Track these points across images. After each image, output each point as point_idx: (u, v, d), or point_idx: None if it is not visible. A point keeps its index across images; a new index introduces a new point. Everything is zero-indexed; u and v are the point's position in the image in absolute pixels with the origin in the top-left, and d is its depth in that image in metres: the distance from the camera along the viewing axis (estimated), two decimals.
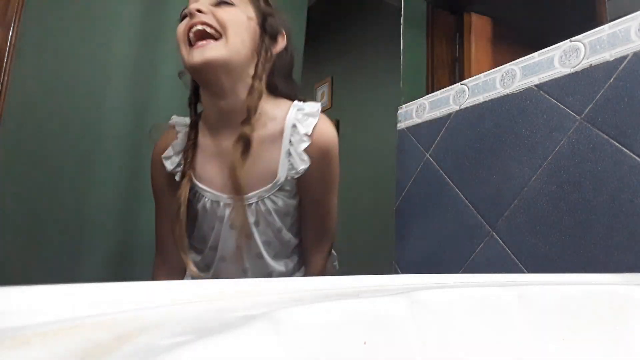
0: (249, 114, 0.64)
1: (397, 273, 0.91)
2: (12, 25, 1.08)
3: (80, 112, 1.18)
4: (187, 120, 0.72)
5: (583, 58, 0.61)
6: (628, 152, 0.55)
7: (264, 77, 0.67)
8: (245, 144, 0.64)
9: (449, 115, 0.83)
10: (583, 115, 0.60)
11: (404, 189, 0.92)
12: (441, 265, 0.80)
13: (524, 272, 0.65)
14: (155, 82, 1.31)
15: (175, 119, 0.75)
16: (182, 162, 0.69)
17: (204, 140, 0.70)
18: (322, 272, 0.77)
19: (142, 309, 0.17)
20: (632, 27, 0.56)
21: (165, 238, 0.74)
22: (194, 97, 0.72)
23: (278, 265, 0.74)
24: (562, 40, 0.65)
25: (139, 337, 0.14)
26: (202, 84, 0.67)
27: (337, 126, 2.14)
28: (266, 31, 0.67)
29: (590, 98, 0.60)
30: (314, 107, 0.69)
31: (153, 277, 0.78)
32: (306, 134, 0.66)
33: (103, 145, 1.21)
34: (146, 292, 0.20)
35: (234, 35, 0.62)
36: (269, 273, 0.73)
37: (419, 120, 0.91)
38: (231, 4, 0.64)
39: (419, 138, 0.89)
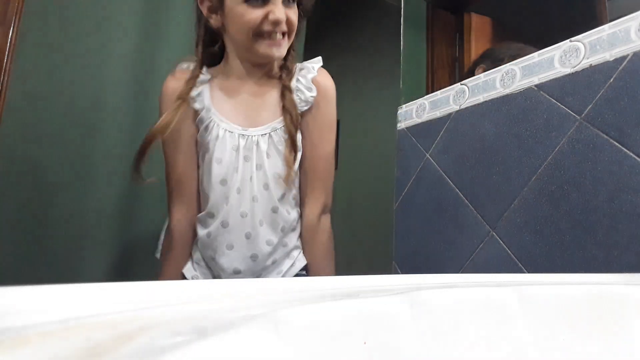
0: (290, 74, 0.78)
1: (397, 273, 0.91)
2: (12, 25, 1.08)
3: (80, 112, 1.18)
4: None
5: (583, 58, 0.61)
6: (628, 152, 0.55)
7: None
8: (290, 94, 0.77)
9: (449, 115, 0.83)
10: (583, 115, 0.60)
11: (404, 189, 0.92)
12: (441, 265, 0.80)
13: (524, 272, 0.65)
14: (155, 81, 1.31)
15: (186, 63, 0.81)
16: (184, 88, 0.75)
17: (224, 82, 0.78)
18: (315, 230, 0.80)
19: (142, 309, 0.17)
20: (632, 27, 0.56)
21: (184, 178, 0.78)
22: (208, 41, 0.78)
23: (282, 206, 0.76)
24: (562, 40, 0.65)
25: (139, 337, 0.14)
26: (253, 62, 0.77)
27: (337, 126, 2.13)
28: (303, 15, 0.78)
29: (590, 98, 0.60)
30: (317, 59, 0.83)
31: (170, 225, 0.79)
32: (312, 78, 0.79)
33: (103, 145, 1.21)
34: (146, 292, 0.20)
35: (293, 34, 0.75)
36: (273, 208, 0.76)
37: (419, 120, 0.91)
38: (293, 2, 0.73)
39: (419, 138, 0.89)
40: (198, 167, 0.79)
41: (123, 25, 1.29)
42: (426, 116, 0.89)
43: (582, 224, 0.59)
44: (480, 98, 0.77)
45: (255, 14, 0.69)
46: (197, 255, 0.79)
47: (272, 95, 0.79)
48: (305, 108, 0.78)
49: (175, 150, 0.77)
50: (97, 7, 1.24)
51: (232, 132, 0.75)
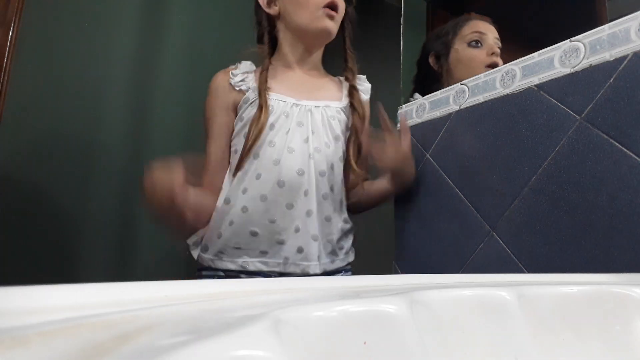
0: (354, 75, 0.90)
1: (397, 273, 0.91)
2: (12, 25, 1.08)
3: (81, 112, 1.19)
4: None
5: (583, 58, 0.61)
6: (628, 152, 0.55)
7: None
8: (357, 93, 0.87)
9: (449, 115, 0.83)
10: (583, 115, 0.60)
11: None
12: (441, 265, 0.80)
13: (524, 272, 0.65)
14: (155, 81, 1.31)
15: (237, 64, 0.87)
16: (250, 78, 0.82)
17: (272, 72, 0.83)
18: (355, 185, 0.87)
19: (142, 309, 0.17)
20: (632, 27, 0.56)
21: (216, 158, 0.81)
22: (269, 30, 0.86)
23: (327, 180, 0.80)
24: (562, 40, 0.65)
25: (139, 337, 0.14)
26: (306, 40, 0.84)
27: None
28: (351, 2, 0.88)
29: (590, 98, 0.60)
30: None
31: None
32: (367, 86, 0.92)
33: (103, 145, 1.22)
34: (146, 292, 0.20)
35: (340, 17, 0.84)
36: (321, 172, 0.79)
37: (419, 120, 0.91)
38: None
39: (419, 138, 0.89)
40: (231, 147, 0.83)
41: (123, 25, 1.29)
42: (426, 116, 0.89)
43: (582, 224, 0.59)
44: (480, 98, 0.77)
45: None
46: (216, 248, 0.79)
47: (325, 83, 0.88)
48: (366, 98, 0.88)
49: (218, 135, 0.82)
50: (97, 7, 1.24)
51: (285, 102, 0.80)
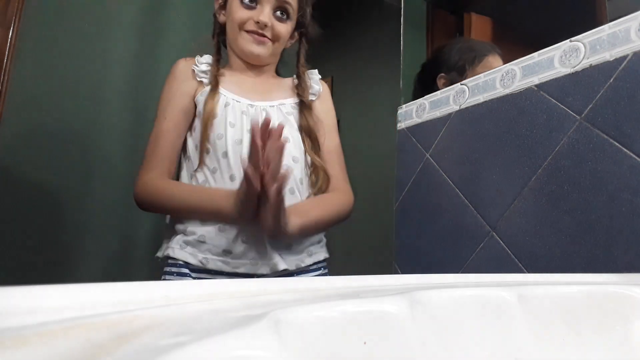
0: (305, 92, 0.85)
1: (397, 273, 0.91)
2: (12, 25, 1.08)
3: (80, 112, 1.19)
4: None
5: (583, 58, 0.61)
6: (628, 152, 0.55)
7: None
8: (310, 112, 0.84)
9: (449, 115, 0.83)
10: (583, 115, 0.60)
11: (404, 189, 0.92)
12: (441, 265, 0.80)
13: (524, 272, 0.65)
14: (155, 82, 1.31)
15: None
16: (211, 71, 0.81)
17: (229, 72, 0.83)
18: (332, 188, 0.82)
19: (142, 309, 0.17)
20: (632, 27, 0.56)
21: (167, 145, 0.78)
22: (219, 34, 0.86)
23: (296, 170, 0.78)
24: (562, 40, 0.65)
25: (139, 337, 0.14)
26: (243, 60, 0.83)
27: (338, 126, 2.13)
28: (305, 40, 0.88)
29: (590, 98, 0.60)
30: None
31: (140, 186, 0.76)
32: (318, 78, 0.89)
33: (103, 144, 1.22)
34: (146, 292, 0.20)
35: (280, 45, 0.83)
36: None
37: (419, 120, 0.91)
38: (287, 20, 0.80)
39: (419, 138, 0.89)
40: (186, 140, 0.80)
41: (123, 25, 1.29)
42: (426, 116, 0.89)
43: (582, 224, 0.59)
44: (480, 98, 0.77)
45: (244, 13, 0.77)
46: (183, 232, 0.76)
47: (276, 84, 0.86)
48: (314, 98, 0.86)
49: (171, 123, 0.79)
50: (97, 8, 1.24)
51: (239, 102, 0.79)
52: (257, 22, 0.77)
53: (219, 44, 0.86)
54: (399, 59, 1.04)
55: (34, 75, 1.13)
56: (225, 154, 0.75)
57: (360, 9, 2.27)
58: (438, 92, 0.87)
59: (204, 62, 0.82)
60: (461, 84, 0.81)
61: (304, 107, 0.83)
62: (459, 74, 0.93)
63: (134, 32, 1.28)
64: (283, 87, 0.87)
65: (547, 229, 0.63)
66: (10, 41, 1.06)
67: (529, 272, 0.64)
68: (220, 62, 0.83)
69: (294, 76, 0.88)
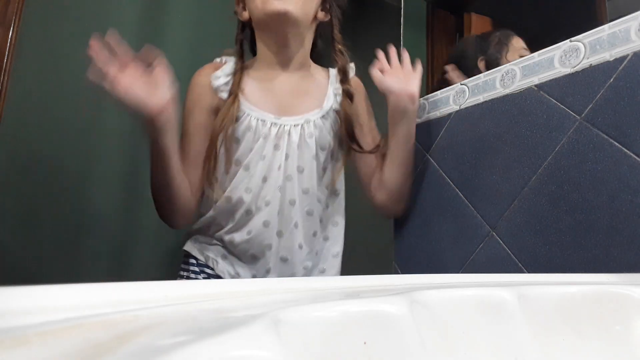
0: (346, 76, 0.87)
1: (397, 273, 0.91)
2: (12, 25, 1.08)
3: (80, 112, 1.18)
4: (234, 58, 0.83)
5: (583, 58, 0.61)
6: (628, 152, 0.55)
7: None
8: (349, 94, 0.84)
9: (449, 115, 0.83)
10: (583, 115, 0.60)
11: None
12: (441, 265, 0.80)
13: (524, 272, 0.65)
14: None
15: (224, 57, 0.84)
16: (231, 82, 0.79)
17: (256, 73, 0.82)
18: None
19: (142, 309, 0.17)
20: (632, 27, 0.56)
21: (189, 158, 0.79)
22: (242, 35, 0.84)
23: (304, 201, 0.79)
24: (562, 40, 0.65)
25: (139, 337, 0.14)
26: (268, 31, 0.79)
27: None
28: (334, 11, 0.85)
29: (590, 98, 0.60)
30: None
31: (163, 201, 0.79)
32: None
33: (103, 144, 1.21)
34: (146, 292, 0.20)
35: (308, 2, 0.76)
36: (291, 200, 0.78)
37: (419, 120, 0.91)
38: None
39: (418, 138, 0.89)
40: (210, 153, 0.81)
41: (123, 25, 1.29)
42: (426, 116, 0.89)
43: (582, 223, 0.59)
44: (480, 98, 0.77)
45: None
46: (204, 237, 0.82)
47: (310, 85, 0.84)
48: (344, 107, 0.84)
49: (191, 137, 0.80)
50: (97, 7, 1.24)
51: (264, 121, 0.77)
52: None
53: (242, 49, 0.83)
54: (399, 59, 1.04)
55: (34, 75, 1.13)
56: (248, 167, 0.77)
57: (360, 8, 2.27)
58: (438, 92, 0.87)
59: (222, 74, 0.80)
60: (461, 84, 0.81)
61: (346, 95, 0.83)
62: (497, 51, 0.95)
63: (134, 32, 1.28)
64: (315, 86, 0.84)
65: (547, 229, 0.63)
66: (10, 41, 1.06)
67: (529, 272, 0.64)
68: (243, 70, 0.81)
69: (329, 69, 0.87)
